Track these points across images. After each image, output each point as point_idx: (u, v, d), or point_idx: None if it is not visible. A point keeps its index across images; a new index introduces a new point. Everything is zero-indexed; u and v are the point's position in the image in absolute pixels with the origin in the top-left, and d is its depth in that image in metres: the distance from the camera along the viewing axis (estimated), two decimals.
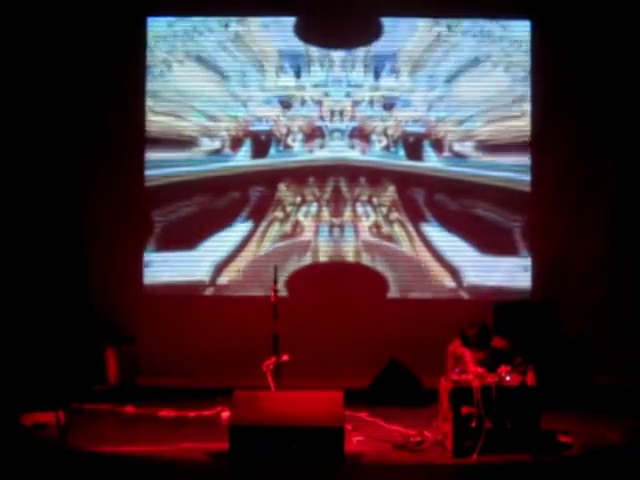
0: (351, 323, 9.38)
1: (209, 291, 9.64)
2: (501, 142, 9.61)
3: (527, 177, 9.61)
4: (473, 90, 9.60)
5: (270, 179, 9.66)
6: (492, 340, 7.16)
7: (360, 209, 9.65)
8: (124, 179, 9.59)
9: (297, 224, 9.66)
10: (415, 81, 9.62)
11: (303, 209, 9.66)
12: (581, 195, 9.55)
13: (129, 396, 8.56)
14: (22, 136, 9.26)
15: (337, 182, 9.65)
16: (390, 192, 9.66)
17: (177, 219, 9.62)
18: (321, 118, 9.64)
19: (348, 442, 6.74)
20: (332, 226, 9.65)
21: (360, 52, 9.60)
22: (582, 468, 6.47)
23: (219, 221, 9.62)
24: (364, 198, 9.64)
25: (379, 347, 9.01)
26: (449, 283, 9.59)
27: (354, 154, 9.64)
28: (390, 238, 9.61)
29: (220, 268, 9.60)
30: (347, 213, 9.64)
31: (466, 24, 9.59)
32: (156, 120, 9.61)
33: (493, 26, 9.60)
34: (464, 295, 9.60)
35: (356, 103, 9.62)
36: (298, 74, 9.62)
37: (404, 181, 9.64)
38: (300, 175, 9.66)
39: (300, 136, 9.65)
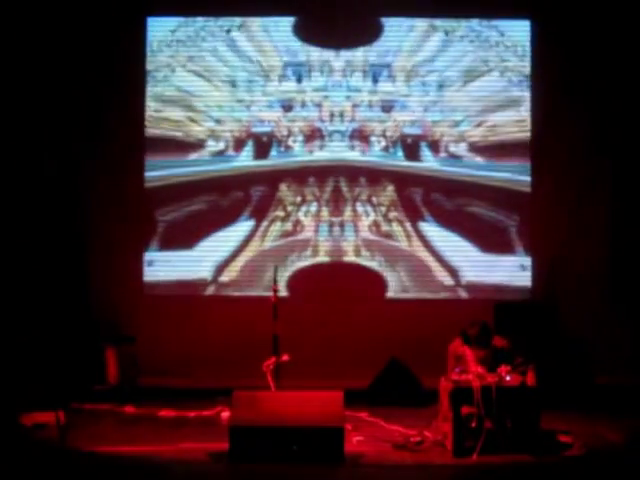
0: (351, 323, 9.39)
1: (211, 289, 9.66)
2: (498, 144, 9.65)
3: (527, 178, 9.64)
4: (469, 94, 9.66)
5: (271, 179, 9.74)
6: (493, 339, 7.16)
7: (360, 208, 9.71)
8: (124, 179, 9.62)
9: (297, 223, 9.72)
10: (411, 86, 9.68)
11: (303, 208, 9.72)
12: (581, 195, 9.56)
13: (129, 396, 8.56)
14: (23, 137, 9.27)
15: (337, 182, 9.71)
16: (389, 192, 9.71)
17: (180, 218, 9.67)
18: (321, 120, 9.69)
19: (348, 442, 6.74)
20: (332, 224, 9.69)
21: (359, 59, 9.66)
22: (582, 468, 6.46)
23: (222, 220, 9.69)
24: (364, 197, 9.71)
25: (379, 347, 9.02)
26: (448, 282, 9.63)
27: (354, 155, 9.72)
28: (389, 236, 9.67)
29: (222, 266, 9.64)
30: (347, 212, 9.70)
31: (463, 29, 9.65)
32: (160, 122, 9.65)
33: (491, 32, 9.66)
34: (463, 293, 9.63)
35: (356, 105, 9.70)
36: (299, 80, 9.68)
37: (403, 181, 9.72)
38: (300, 175, 9.73)
39: (300, 137, 9.71)
